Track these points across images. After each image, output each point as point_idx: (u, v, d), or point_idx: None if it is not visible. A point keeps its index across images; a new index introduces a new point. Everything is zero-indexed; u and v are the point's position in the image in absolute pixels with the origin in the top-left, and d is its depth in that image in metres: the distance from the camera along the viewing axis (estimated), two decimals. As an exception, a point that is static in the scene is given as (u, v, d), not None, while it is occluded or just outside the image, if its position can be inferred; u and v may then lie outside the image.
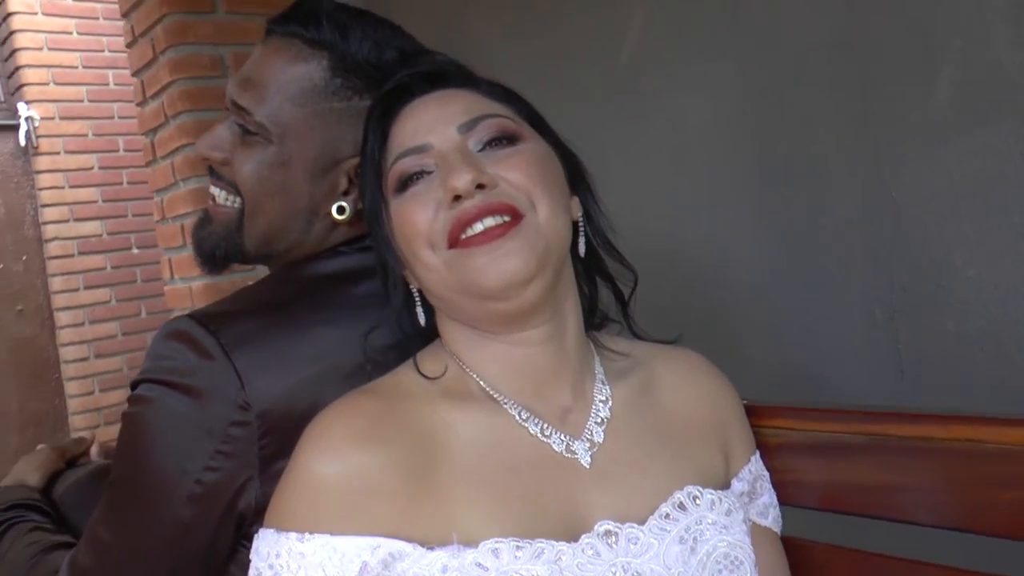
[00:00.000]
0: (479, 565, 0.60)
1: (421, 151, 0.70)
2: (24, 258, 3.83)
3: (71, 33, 3.82)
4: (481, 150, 0.70)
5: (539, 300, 0.68)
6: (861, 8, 1.29)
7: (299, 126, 0.84)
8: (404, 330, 0.77)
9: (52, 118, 3.77)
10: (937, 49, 1.20)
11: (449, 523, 0.63)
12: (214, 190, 0.91)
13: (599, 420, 0.72)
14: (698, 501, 0.70)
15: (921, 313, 1.27)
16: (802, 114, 1.39)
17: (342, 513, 0.63)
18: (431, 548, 0.62)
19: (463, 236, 0.66)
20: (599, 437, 0.71)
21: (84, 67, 3.85)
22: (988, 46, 1.15)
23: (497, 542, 0.61)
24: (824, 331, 1.40)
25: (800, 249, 1.42)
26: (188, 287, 2.29)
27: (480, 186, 0.67)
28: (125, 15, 2.36)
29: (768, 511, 0.80)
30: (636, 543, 0.66)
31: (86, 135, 3.86)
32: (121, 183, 3.94)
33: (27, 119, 3.70)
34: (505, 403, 0.70)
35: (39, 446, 1.16)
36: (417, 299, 0.75)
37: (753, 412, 0.84)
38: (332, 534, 0.62)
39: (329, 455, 0.64)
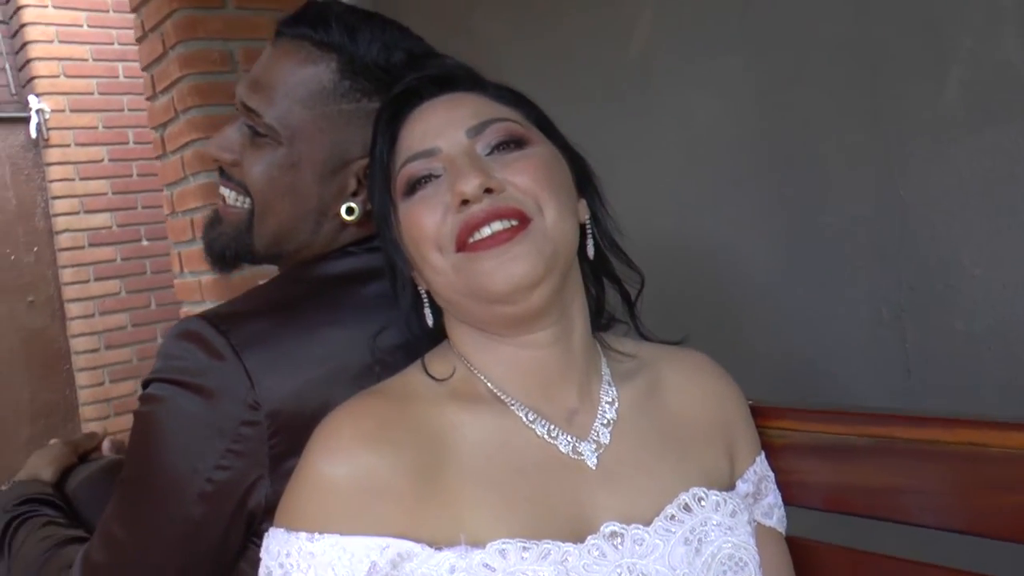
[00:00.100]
0: (486, 566, 0.61)
1: (429, 155, 0.71)
2: (35, 250, 3.86)
3: (81, 26, 3.84)
4: (489, 154, 0.71)
5: (546, 303, 0.68)
6: (870, 7, 1.29)
7: (308, 128, 0.85)
8: (412, 331, 0.78)
9: (63, 111, 3.79)
10: (947, 48, 1.20)
11: (457, 524, 0.64)
12: (224, 191, 0.91)
13: (605, 421, 0.72)
14: (703, 503, 0.70)
15: (929, 312, 1.27)
16: (810, 112, 1.39)
17: (351, 513, 0.63)
18: (439, 548, 0.62)
19: (471, 240, 0.67)
20: (605, 438, 0.71)
21: (94, 60, 3.87)
22: (998, 45, 1.15)
23: (504, 543, 0.62)
24: (831, 329, 1.39)
25: (807, 247, 1.42)
26: (198, 281, 2.30)
27: (488, 190, 0.67)
28: (135, 10, 2.36)
29: (773, 512, 0.80)
30: (641, 544, 0.66)
31: (96, 127, 3.88)
32: (131, 175, 3.96)
33: (38, 111, 3.72)
34: (512, 405, 0.71)
35: (51, 441, 1.17)
36: (425, 300, 0.76)
37: (758, 413, 0.84)
38: (342, 534, 0.63)
39: (338, 456, 0.65)
